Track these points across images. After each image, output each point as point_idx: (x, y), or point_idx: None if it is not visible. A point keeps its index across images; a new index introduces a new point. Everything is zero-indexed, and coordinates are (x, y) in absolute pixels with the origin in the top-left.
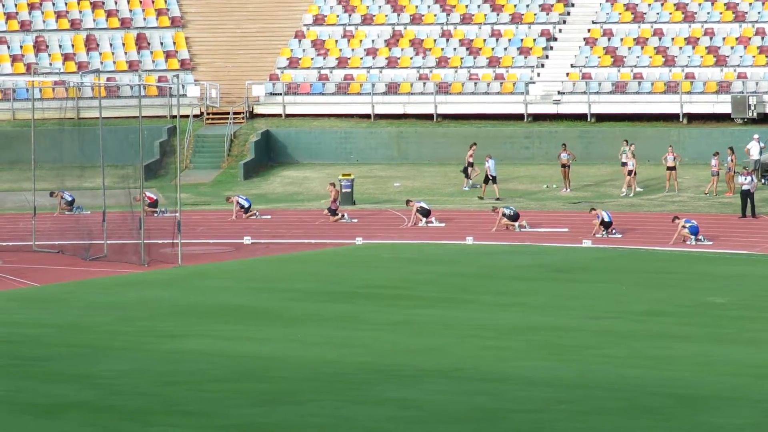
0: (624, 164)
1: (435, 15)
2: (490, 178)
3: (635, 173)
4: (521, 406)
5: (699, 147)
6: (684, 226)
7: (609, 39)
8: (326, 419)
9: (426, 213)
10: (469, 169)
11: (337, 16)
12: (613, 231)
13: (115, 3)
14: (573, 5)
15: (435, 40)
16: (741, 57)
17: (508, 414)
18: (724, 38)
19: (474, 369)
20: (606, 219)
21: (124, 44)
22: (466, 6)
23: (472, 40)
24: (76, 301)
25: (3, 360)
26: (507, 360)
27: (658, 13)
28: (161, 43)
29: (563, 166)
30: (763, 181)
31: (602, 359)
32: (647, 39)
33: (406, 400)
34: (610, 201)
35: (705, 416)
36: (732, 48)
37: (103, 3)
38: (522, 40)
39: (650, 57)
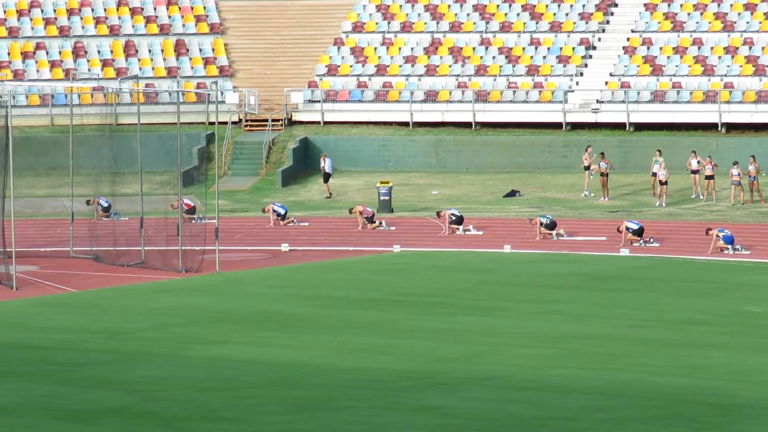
0: (654, 174)
1: (474, 23)
2: (323, 175)
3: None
4: (558, 414)
5: (737, 157)
6: (718, 236)
7: (648, 48)
8: (362, 426)
9: (459, 220)
10: (587, 172)
11: (376, 23)
12: (651, 240)
13: (154, 9)
14: (612, 14)
15: (474, 48)
16: None
17: (545, 422)
18: (763, 48)
19: (510, 377)
20: (635, 227)
21: (162, 50)
22: (506, 14)
23: (511, 49)
24: (113, 306)
25: (40, 365)
26: (543, 368)
27: (697, 23)
28: (200, 50)
29: (602, 174)
30: None
31: (639, 368)
32: (686, 48)
33: (443, 407)
34: (648, 210)
35: (741, 425)
36: None
37: (142, 9)
38: (561, 48)
39: (689, 66)
